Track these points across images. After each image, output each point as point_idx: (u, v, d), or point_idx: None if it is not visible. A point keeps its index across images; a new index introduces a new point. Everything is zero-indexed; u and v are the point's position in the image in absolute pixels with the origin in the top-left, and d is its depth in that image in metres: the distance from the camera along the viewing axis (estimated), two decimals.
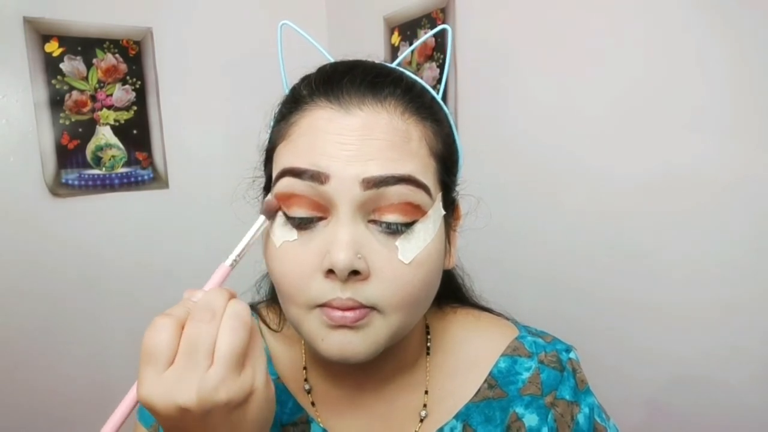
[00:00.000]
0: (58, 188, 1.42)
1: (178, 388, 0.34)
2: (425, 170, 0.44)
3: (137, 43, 1.49)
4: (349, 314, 0.41)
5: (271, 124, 0.49)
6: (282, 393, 0.53)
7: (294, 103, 0.46)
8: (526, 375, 0.54)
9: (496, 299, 0.63)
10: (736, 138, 0.81)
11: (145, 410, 0.54)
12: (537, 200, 1.14)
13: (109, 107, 1.47)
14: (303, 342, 0.55)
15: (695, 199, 0.87)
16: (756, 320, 0.82)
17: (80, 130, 1.44)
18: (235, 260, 0.42)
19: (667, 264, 0.91)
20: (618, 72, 0.96)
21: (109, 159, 1.48)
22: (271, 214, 0.44)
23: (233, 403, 0.36)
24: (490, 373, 0.54)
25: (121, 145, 1.50)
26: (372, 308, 0.42)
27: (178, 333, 0.36)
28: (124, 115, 1.49)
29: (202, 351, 0.35)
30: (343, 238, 0.40)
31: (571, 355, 0.56)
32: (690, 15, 0.85)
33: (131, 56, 1.49)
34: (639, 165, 0.94)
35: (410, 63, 1.43)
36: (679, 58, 0.87)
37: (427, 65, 1.39)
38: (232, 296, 0.39)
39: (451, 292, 0.59)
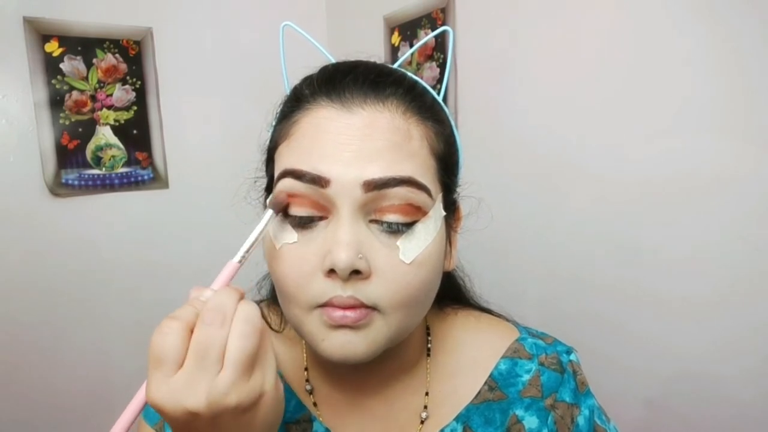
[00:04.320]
0: (58, 188, 1.42)
1: (188, 392, 0.34)
2: (426, 171, 0.43)
3: (137, 43, 1.49)
4: (349, 314, 0.41)
5: (273, 123, 0.49)
6: (284, 392, 0.53)
7: (296, 102, 0.46)
8: (526, 377, 0.54)
9: (500, 294, 0.63)
10: (730, 135, 0.82)
11: (150, 408, 0.54)
12: (538, 198, 1.14)
13: (109, 107, 1.47)
14: (304, 343, 0.55)
15: (692, 195, 0.88)
16: (750, 314, 0.83)
17: (80, 130, 1.43)
18: (243, 256, 0.42)
19: (666, 258, 0.92)
20: (616, 71, 0.96)
21: (109, 159, 1.48)
22: (279, 207, 0.44)
23: (242, 407, 0.36)
24: (491, 375, 0.53)
25: (121, 145, 1.49)
26: (372, 308, 0.42)
27: (186, 336, 0.36)
28: (124, 115, 1.49)
29: (212, 356, 0.35)
30: (344, 237, 0.40)
31: (572, 357, 0.56)
32: (680, 15, 0.87)
33: (131, 56, 1.49)
34: (638, 162, 0.95)
35: (410, 63, 1.43)
36: (670, 58, 0.88)
37: (427, 65, 1.39)
38: (242, 296, 0.38)
39: (451, 294, 0.59)
